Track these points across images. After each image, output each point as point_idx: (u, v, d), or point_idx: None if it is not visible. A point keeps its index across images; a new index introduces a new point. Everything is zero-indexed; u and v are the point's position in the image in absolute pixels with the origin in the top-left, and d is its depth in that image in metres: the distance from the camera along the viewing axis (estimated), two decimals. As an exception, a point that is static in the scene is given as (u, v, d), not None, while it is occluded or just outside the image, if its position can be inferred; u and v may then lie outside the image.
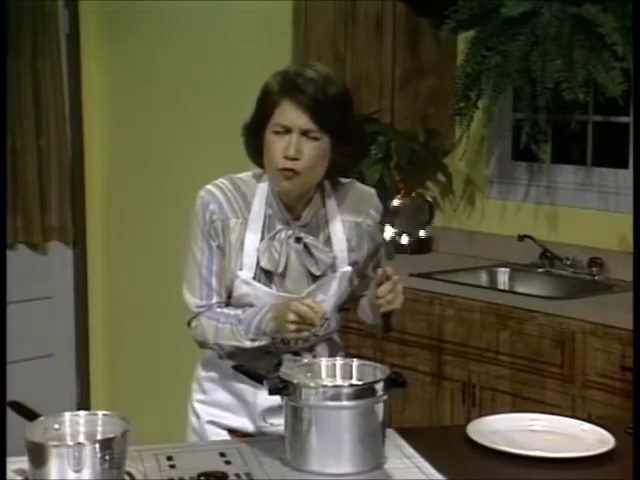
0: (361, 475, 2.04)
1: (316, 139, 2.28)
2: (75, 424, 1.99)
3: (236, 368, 2.30)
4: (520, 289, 3.97)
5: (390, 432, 2.20)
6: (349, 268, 2.42)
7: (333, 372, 2.19)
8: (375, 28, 4.21)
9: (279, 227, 2.37)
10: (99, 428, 1.98)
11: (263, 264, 2.35)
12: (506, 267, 4.12)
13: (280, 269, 2.36)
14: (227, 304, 2.41)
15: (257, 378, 2.20)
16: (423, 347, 3.81)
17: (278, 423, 2.33)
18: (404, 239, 2.33)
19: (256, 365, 2.34)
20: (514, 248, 4.10)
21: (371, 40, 4.23)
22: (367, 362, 2.23)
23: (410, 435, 2.26)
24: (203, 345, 2.43)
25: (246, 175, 2.44)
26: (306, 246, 2.38)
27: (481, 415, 2.56)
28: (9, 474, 1.99)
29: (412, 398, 3.78)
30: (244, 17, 4.75)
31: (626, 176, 3.90)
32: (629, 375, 3.15)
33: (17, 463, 2.00)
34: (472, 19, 3.82)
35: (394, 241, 2.22)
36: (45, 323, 5.35)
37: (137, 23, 5.25)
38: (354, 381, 2.15)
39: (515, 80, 3.75)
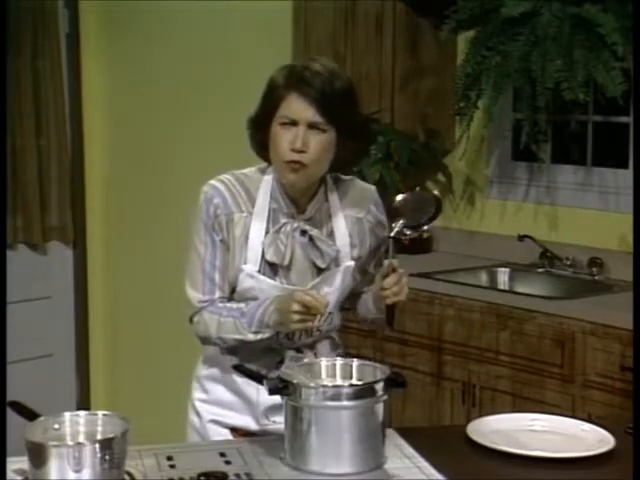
0: (361, 475, 2.03)
1: (322, 132, 2.29)
2: (75, 424, 1.99)
3: (236, 368, 2.30)
4: (520, 289, 3.97)
5: (390, 432, 2.20)
6: (352, 263, 2.43)
7: (333, 372, 2.19)
8: (375, 28, 4.21)
9: (284, 220, 2.38)
10: (99, 428, 1.98)
11: (269, 257, 2.35)
12: (506, 267, 4.12)
13: (286, 262, 2.36)
14: (230, 299, 2.41)
15: (257, 378, 2.20)
16: (423, 347, 3.81)
17: (281, 421, 2.33)
18: (408, 233, 2.32)
19: (259, 362, 2.35)
20: (514, 248, 4.10)
21: (371, 40, 4.23)
22: (367, 362, 2.22)
23: (410, 435, 2.26)
24: (205, 341, 2.43)
25: (250, 170, 2.44)
26: (311, 239, 2.38)
27: (481, 415, 2.56)
28: (9, 474, 1.99)
29: (412, 398, 3.78)
30: (244, 17, 4.75)
31: (626, 176, 3.90)
32: (629, 375, 3.15)
33: (17, 463, 2.00)
34: (472, 19, 3.82)
35: (399, 235, 2.22)
36: (45, 323, 5.35)
37: (137, 23, 5.25)
38: (354, 381, 2.15)
39: (515, 80, 3.75)
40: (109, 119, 5.44)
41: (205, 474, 2.01)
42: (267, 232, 2.37)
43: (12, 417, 2.12)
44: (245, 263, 2.36)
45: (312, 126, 2.28)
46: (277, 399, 2.20)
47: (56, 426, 1.97)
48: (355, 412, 2.04)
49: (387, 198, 2.46)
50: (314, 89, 2.26)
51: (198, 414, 2.50)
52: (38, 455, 1.86)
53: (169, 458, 2.12)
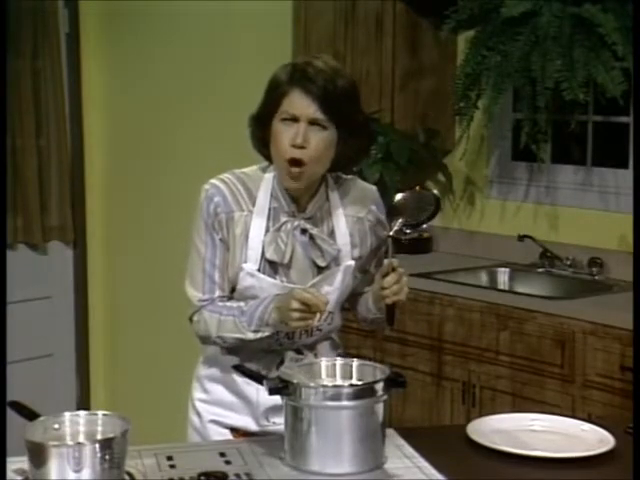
0: (361, 475, 2.03)
1: (324, 129, 2.29)
2: (75, 424, 1.99)
3: (236, 368, 2.30)
4: (520, 289, 3.97)
5: (390, 432, 2.20)
6: (352, 262, 2.43)
7: (333, 372, 2.19)
8: (375, 28, 4.21)
9: (284, 219, 2.38)
10: (99, 428, 1.98)
11: (269, 255, 2.35)
12: (506, 267, 4.12)
13: (286, 260, 2.36)
14: (230, 298, 2.41)
15: (257, 378, 2.19)
16: (423, 347, 3.81)
17: (281, 422, 2.33)
18: (407, 232, 2.32)
19: (259, 363, 2.34)
20: (514, 248, 4.10)
21: (371, 40, 4.23)
22: (367, 362, 2.22)
23: (410, 435, 2.26)
24: (205, 340, 2.43)
25: (250, 169, 2.44)
26: (312, 237, 2.38)
27: (481, 415, 2.56)
28: (9, 474, 1.99)
29: (412, 398, 3.78)
30: (244, 17, 4.75)
31: (626, 176, 3.90)
32: (629, 375, 3.15)
33: (17, 463, 2.00)
34: (472, 19, 3.82)
35: (398, 234, 2.22)
36: (45, 323, 5.35)
37: (137, 23, 5.25)
38: (354, 381, 2.15)
39: (515, 80, 3.75)
40: (109, 119, 5.44)
41: (205, 474, 2.01)
42: (267, 231, 2.37)
43: (12, 417, 2.12)
44: (245, 262, 2.36)
45: (313, 122, 2.28)
46: (277, 400, 2.20)
47: (56, 426, 1.97)
48: (355, 412, 2.04)
49: (387, 198, 2.46)
50: (316, 86, 2.26)
51: (198, 414, 2.50)
52: (38, 455, 1.86)
53: (169, 458, 2.12)
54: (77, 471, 1.84)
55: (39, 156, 5.21)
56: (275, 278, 2.37)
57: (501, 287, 4.07)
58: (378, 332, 3.78)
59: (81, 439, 1.96)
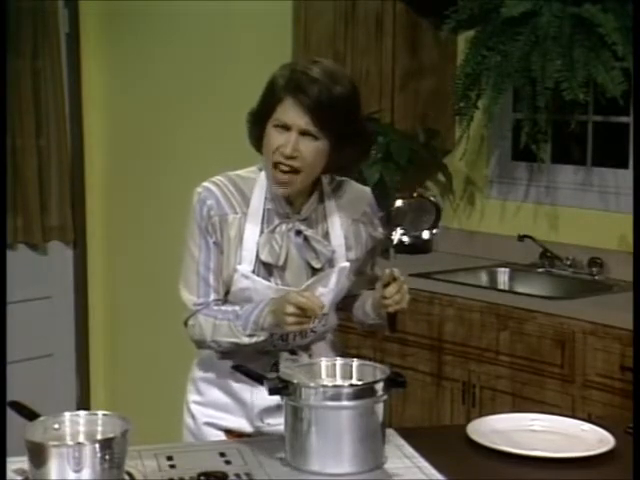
0: (361, 475, 2.04)
1: (315, 139, 2.27)
2: (75, 424, 1.99)
3: (236, 368, 2.29)
4: (520, 289, 3.97)
5: (390, 432, 2.20)
6: (347, 264, 2.42)
7: (333, 372, 2.19)
8: (375, 28, 4.21)
9: (278, 221, 2.37)
10: (99, 428, 1.98)
11: (263, 257, 2.34)
12: (506, 267, 4.12)
13: (281, 262, 2.35)
14: (224, 302, 2.40)
15: (257, 378, 2.19)
16: (423, 347, 3.81)
17: (275, 423, 2.33)
18: (406, 240, 2.32)
19: (253, 366, 2.34)
20: (514, 248, 4.10)
21: (371, 40, 4.23)
22: (367, 362, 2.22)
23: (410, 435, 2.26)
24: (200, 344, 2.42)
25: (244, 171, 2.43)
26: (306, 239, 2.38)
27: (481, 415, 2.56)
28: (9, 474, 1.99)
29: (412, 398, 3.78)
30: (244, 17, 4.75)
31: (626, 176, 3.90)
32: (629, 375, 3.15)
33: (17, 463, 2.00)
34: (472, 19, 3.82)
35: (398, 243, 2.22)
36: (45, 323, 5.35)
37: (137, 23, 5.25)
38: (354, 381, 2.15)
39: (515, 80, 3.75)
40: (109, 119, 5.44)
41: (205, 474, 2.01)
42: (262, 232, 2.36)
43: (12, 417, 2.12)
44: (240, 264, 2.35)
45: (305, 133, 2.26)
46: (271, 401, 2.21)
47: (56, 426, 1.97)
48: (355, 412, 2.04)
49: (387, 198, 2.45)
50: (309, 97, 2.23)
51: (193, 416, 2.49)
52: (38, 455, 1.86)
53: (169, 458, 2.12)
54: (77, 471, 1.84)
55: (39, 156, 5.21)
56: (269, 280, 2.36)
57: (501, 287, 4.07)
58: (377, 332, 3.78)
59: (81, 439, 1.96)
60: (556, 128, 4.01)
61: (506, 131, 4.30)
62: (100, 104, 5.43)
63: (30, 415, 2.00)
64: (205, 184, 2.39)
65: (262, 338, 2.31)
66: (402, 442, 2.22)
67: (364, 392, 2.05)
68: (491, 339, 3.61)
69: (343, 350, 2.59)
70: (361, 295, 2.52)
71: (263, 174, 2.39)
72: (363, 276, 2.52)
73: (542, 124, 3.75)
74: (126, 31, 5.30)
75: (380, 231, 2.53)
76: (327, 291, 2.39)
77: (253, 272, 2.35)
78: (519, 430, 2.30)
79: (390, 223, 2.34)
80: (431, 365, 3.79)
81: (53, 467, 1.84)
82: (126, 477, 1.95)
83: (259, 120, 2.34)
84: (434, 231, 2.35)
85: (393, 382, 2.09)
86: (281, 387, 2.07)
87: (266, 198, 2.38)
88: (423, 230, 2.38)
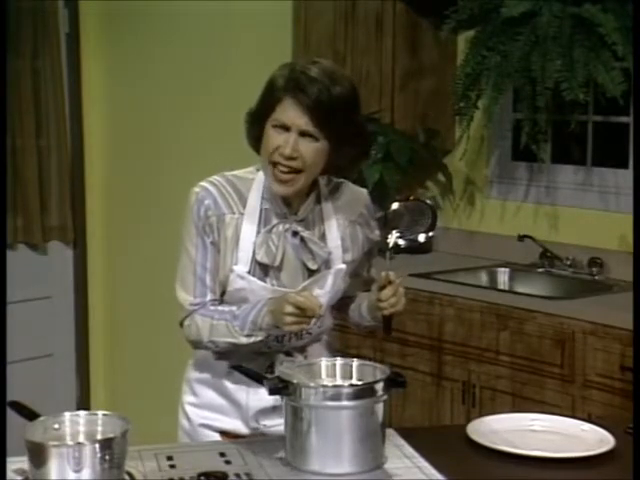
0: (361, 475, 2.04)
1: (315, 140, 2.27)
2: (75, 424, 1.99)
3: (235, 368, 2.29)
4: (520, 289, 3.97)
5: (390, 432, 2.20)
6: (343, 266, 2.41)
7: (333, 372, 2.19)
8: (375, 28, 4.21)
9: (276, 221, 2.37)
10: (99, 428, 1.98)
11: (260, 257, 2.34)
12: (506, 267, 4.12)
13: (277, 262, 2.35)
14: (221, 302, 2.40)
15: (256, 378, 2.19)
16: (423, 347, 3.81)
17: (271, 424, 2.34)
18: (402, 243, 2.31)
19: (248, 366, 2.34)
20: (514, 248, 4.10)
21: (371, 40, 4.23)
22: (367, 362, 2.22)
23: (410, 435, 2.26)
24: (197, 345, 2.41)
25: (242, 171, 2.42)
26: (303, 240, 2.37)
27: (481, 415, 2.56)
28: (9, 474, 1.99)
29: (412, 398, 3.78)
30: (244, 17, 4.75)
31: (626, 176, 3.90)
32: (629, 375, 3.15)
33: (17, 463, 2.00)
34: (472, 19, 3.83)
35: (395, 246, 2.22)
36: (45, 323, 5.35)
37: (137, 23, 5.25)
38: (354, 381, 2.15)
39: (515, 80, 3.75)
40: (109, 119, 5.44)
41: (205, 474, 2.01)
42: (258, 233, 2.35)
43: (12, 417, 2.12)
44: (236, 264, 2.35)
45: (304, 134, 2.26)
46: (266, 402, 2.21)
47: (56, 426, 1.97)
48: (355, 412, 2.04)
49: (387, 200, 2.45)
50: (309, 97, 2.23)
51: (188, 418, 2.49)
52: (38, 455, 1.86)
53: (169, 458, 2.12)
54: (77, 471, 1.84)
55: (39, 156, 5.21)
56: (265, 281, 2.36)
57: (501, 287, 4.07)
58: (376, 331, 3.78)
59: (81, 439, 1.96)
60: (556, 128, 4.01)
61: (506, 131, 4.30)
62: (100, 104, 5.43)
63: (30, 415, 2.00)
64: (202, 184, 2.39)
65: (260, 338, 2.30)
66: (402, 442, 2.22)
67: (364, 392, 2.05)
68: (491, 339, 3.61)
69: (339, 350, 2.59)
70: (357, 297, 2.52)
71: (260, 174, 2.38)
72: (359, 278, 2.52)
73: (542, 124, 3.75)
74: (126, 31, 5.30)
75: (377, 233, 2.53)
76: (323, 293, 2.38)
77: (249, 273, 2.35)
78: (519, 430, 2.30)
79: (386, 226, 2.33)
80: (431, 365, 3.79)
81: (53, 467, 1.84)
82: (126, 477, 1.96)
83: (258, 120, 2.33)
84: (430, 234, 2.34)
85: (393, 382, 2.09)
86: (281, 387, 2.07)
87: (263, 198, 2.37)
88: (419, 233, 2.36)
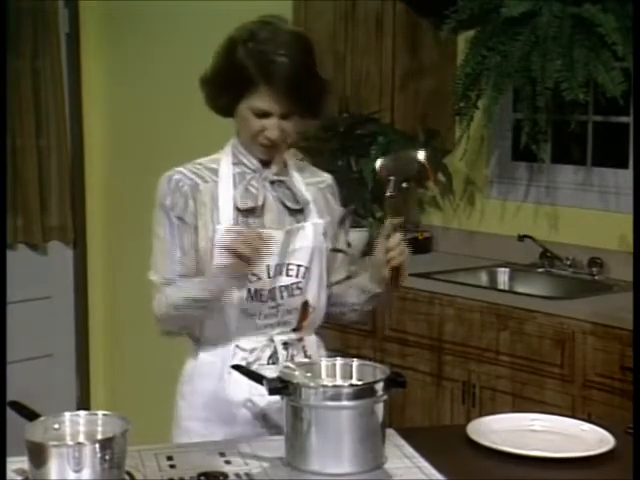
0: (361, 475, 2.03)
1: (294, 114, 2.32)
2: (75, 424, 1.98)
3: (235, 368, 2.29)
4: (520, 289, 3.97)
5: (390, 432, 2.20)
6: (321, 220, 2.41)
7: (333, 372, 2.19)
8: (375, 28, 4.21)
9: (250, 176, 2.39)
10: (99, 428, 1.98)
11: (242, 205, 2.34)
12: (506, 267, 4.12)
13: (259, 202, 2.36)
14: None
15: (256, 378, 2.19)
16: (423, 347, 3.81)
17: (271, 425, 2.33)
18: (404, 187, 2.34)
19: (237, 332, 2.33)
20: (514, 248, 4.10)
21: (371, 40, 4.23)
22: (367, 362, 2.22)
23: (410, 435, 2.26)
24: (163, 321, 2.37)
25: (208, 158, 2.49)
26: (282, 184, 2.40)
27: (481, 415, 2.56)
28: (9, 474, 1.99)
29: (412, 398, 3.78)
30: (244, 17, 4.74)
31: (626, 176, 3.90)
32: (629, 375, 3.15)
33: (17, 463, 2.00)
34: (472, 19, 3.83)
35: (392, 192, 2.25)
36: (45, 323, 5.35)
37: (137, 23, 5.25)
38: (354, 381, 2.15)
39: (515, 80, 3.75)
40: (109, 119, 5.44)
41: (205, 474, 2.01)
42: (235, 189, 2.38)
43: (12, 417, 2.12)
44: (219, 223, 2.34)
45: (285, 116, 2.30)
46: (265, 407, 2.21)
47: (56, 426, 1.97)
48: (355, 412, 2.04)
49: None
50: (285, 83, 2.27)
51: (187, 433, 2.45)
52: (38, 455, 1.86)
53: (169, 458, 2.12)
54: (77, 471, 1.84)
55: (39, 156, 5.21)
56: (250, 226, 2.34)
57: (501, 287, 4.07)
58: (378, 332, 3.78)
59: (81, 439, 1.95)
60: (556, 128, 4.01)
61: (506, 131, 4.30)
62: (100, 104, 5.43)
63: (30, 415, 1.99)
64: (173, 169, 2.45)
65: (213, 288, 2.27)
66: (402, 442, 2.21)
67: (364, 392, 2.05)
68: (491, 339, 3.61)
69: (339, 350, 2.58)
70: (353, 278, 2.50)
71: (227, 149, 2.43)
72: (339, 256, 2.50)
73: (542, 124, 3.75)
74: (126, 31, 5.30)
75: (342, 209, 2.54)
76: (307, 243, 2.38)
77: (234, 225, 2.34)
78: (519, 430, 2.30)
79: (382, 173, 2.36)
80: (431, 365, 3.79)
81: (53, 467, 1.84)
82: (126, 477, 1.95)
83: (225, 95, 2.38)
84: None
85: (393, 382, 2.09)
86: (281, 387, 2.06)
87: (234, 164, 2.40)
88: (411, 176, 2.40)
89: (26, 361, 5.17)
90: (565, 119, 3.88)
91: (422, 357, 3.81)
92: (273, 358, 2.37)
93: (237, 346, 2.37)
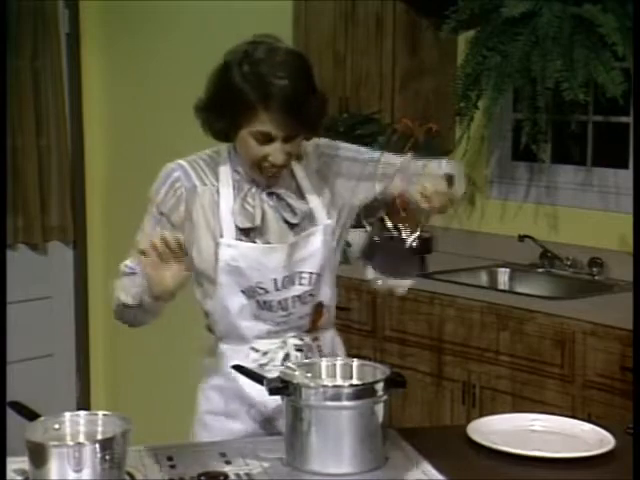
0: (361, 475, 2.03)
1: (297, 135, 2.26)
2: (75, 424, 1.98)
3: (236, 368, 2.29)
4: (520, 289, 3.97)
5: (390, 432, 2.20)
6: (330, 221, 2.39)
7: (333, 372, 2.19)
8: (375, 28, 4.21)
9: (248, 186, 2.35)
10: (99, 428, 1.98)
11: (240, 223, 2.31)
12: (506, 267, 4.12)
13: (257, 222, 2.32)
14: None
15: (257, 378, 2.19)
16: (423, 347, 3.81)
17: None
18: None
19: (250, 335, 2.33)
20: (514, 248, 4.10)
21: (371, 40, 4.23)
22: (367, 362, 2.22)
23: (410, 435, 2.26)
24: (121, 313, 2.40)
25: (209, 151, 2.44)
26: (279, 197, 2.35)
27: (481, 415, 2.56)
28: (9, 474, 1.99)
29: (412, 398, 3.78)
30: (244, 17, 4.75)
31: (626, 176, 3.90)
32: (629, 375, 3.15)
33: (17, 463, 2.00)
34: (472, 19, 3.83)
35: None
36: (45, 323, 5.35)
37: (137, 23, 5.25)
38: (354, 381, 2.15)
39: (515, 80, 3.75)
40: (109, 119, 5.44)
41: (205, 474, 2.01)
42: (234, 200, 2.34)
43: (12, 417, 2.12)
44: (221, 236, 2.32)
45: (287, 139, 2.25)
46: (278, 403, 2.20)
47: (56, 426, 1.97)
48: (355, 412, 2.04)
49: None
50: (285, 106, 2.20)
51: (207, 428, 2.45)
52: (38, 455, 1.86)
53: (169, 458, 2.12)
54: (77, 471, 1.84)
55: (39, 156, 5.21)
56: (255, 242, 2.32)
57: (501, 287, 4.07)
58: (378, 331, 3.77)
59: (81, 439, 1.95)
60: (556, 128, 4.01)
61: (506, 131, 4.30)
62: (100, 104, 5.43)
63: (30, 415, 1.99)
64: (176, 161, 2.42)
65: (138, 290, 2.31)
66: (402, 442, 2.21)
67: (364, 392, 2.05)
68: (491, 339, 3.61)
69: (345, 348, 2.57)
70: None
71: (226, 156, 2.38)
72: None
73: (542, 124, 3.75)
74: (126, 31, 5.30)
75: (359, 163, 2.47)
76: (314, 249, 2.36)
77: (236, 240, 2.33)
78: (519, 430, 2.30)
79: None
80: (431, 365, 3.79)
81: (53, 467, 1.84)
82: (126, 477, 1.95)
83: (223, 119, 2.32)
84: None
85: (393, 382, 2.09)
86: (281, 387, 2.06)
87: (234, 171, 2.36)
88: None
89: (26, 361, 5.18)
90: (565, 119, 3.88)
91: (422, 357, 3.81)
92: (287, 360, 2.37)
93: (251, 347, 2.37)
